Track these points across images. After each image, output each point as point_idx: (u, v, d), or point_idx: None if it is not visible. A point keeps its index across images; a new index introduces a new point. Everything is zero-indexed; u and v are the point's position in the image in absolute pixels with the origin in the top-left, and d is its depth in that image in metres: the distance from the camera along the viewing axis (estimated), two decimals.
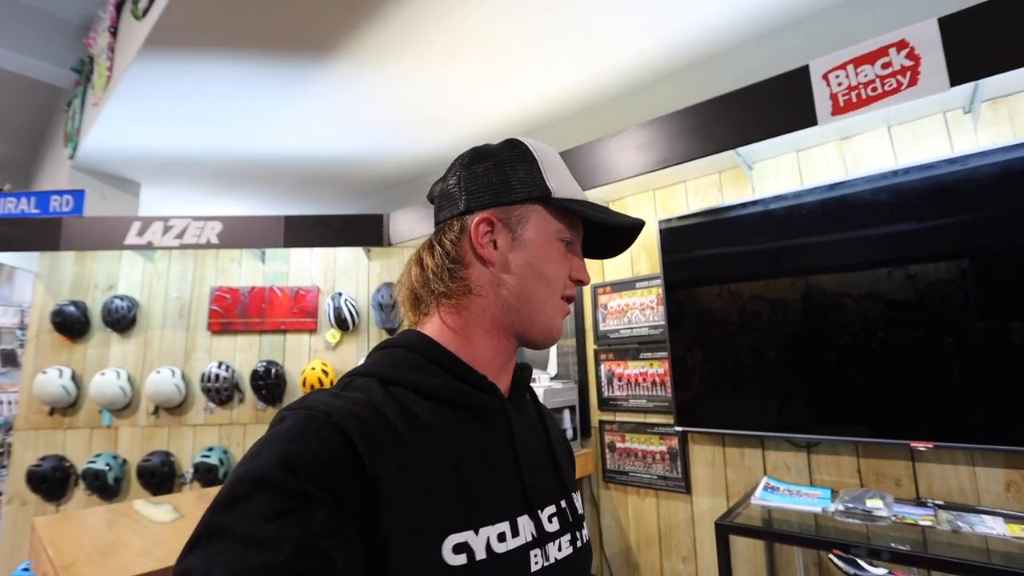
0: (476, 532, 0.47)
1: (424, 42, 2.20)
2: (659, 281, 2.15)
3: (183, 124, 2.86)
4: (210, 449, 2.91)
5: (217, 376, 2.94)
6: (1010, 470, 1.49)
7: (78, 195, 2.83)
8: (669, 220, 2.12)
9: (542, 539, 0.53)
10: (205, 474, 2.80)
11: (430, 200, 0.64)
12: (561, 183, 0.59)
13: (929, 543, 1.26)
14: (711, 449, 2.02)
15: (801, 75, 1.44)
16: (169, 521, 1.45)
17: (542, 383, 2.30)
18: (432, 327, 0.58)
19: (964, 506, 1.50)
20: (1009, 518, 1.37)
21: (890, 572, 1.13)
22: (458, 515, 0.47)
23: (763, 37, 2.17)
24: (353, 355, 3.11)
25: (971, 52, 1.20)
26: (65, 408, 2.94)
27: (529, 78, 2.48)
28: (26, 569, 2.62)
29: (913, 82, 1.24)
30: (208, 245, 2.70)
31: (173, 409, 2.98)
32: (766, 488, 1.73)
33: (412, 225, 2.75)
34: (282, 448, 0.42)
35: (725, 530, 1.42)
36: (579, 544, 0.58)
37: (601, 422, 2.34)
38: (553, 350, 2.58)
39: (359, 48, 2.23)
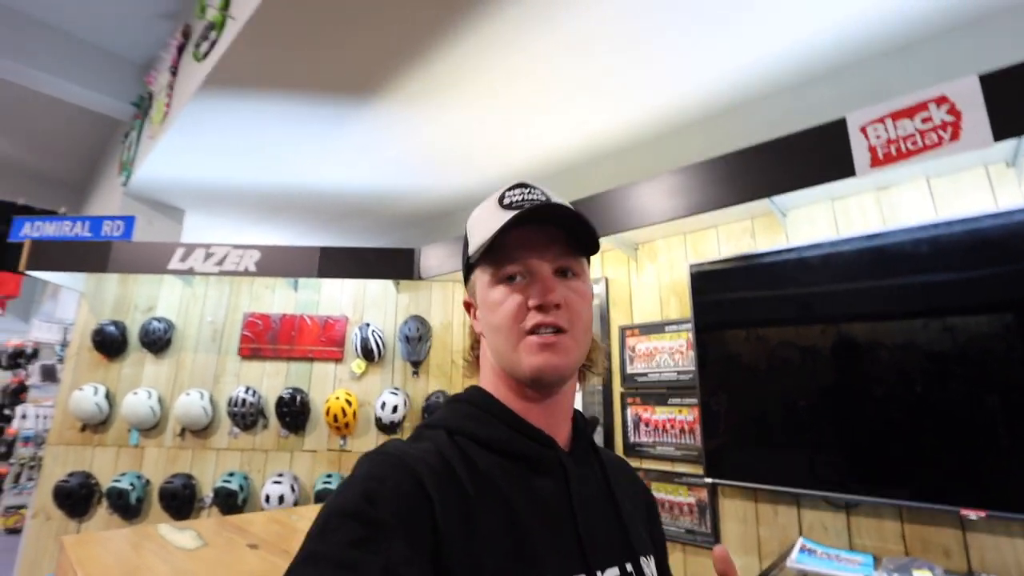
0: None
1: (461, 86, 2.29)
2: (689, 325, 2.12)
3: (229, 156, 3.01)
4: (231, 474, 2.92)
5: (244, 401, 2.98)
6: None
7: (128, 220, 2.99)
8: (700, 264, 2.11)
9: None
10: (224, 499, 2.81)
11: None
12: (478, 234, 0.61)
13: None
14: (743, 504, 1.94)
15: (839, 127, 1.45)
16: (193, 548, 1.45)
17: None
18: (486, 383, 0.64)
19: None
20: None
21: None
22: (513, 566, 0.48)
23: (795, 88, 2.20)
24: (377, 386, 3.12)
25: (1014, 108, 1.19)
26: (96, 425, 3.01)
27: (560, 120, 2.55)
28: None
29: (955, 137, 1.23)
30: (246, 273, 2.79)
31: (199, 432, 3.02)
32: (803, 550, 1.64)
33: (442, 260, 2.79)
34: (363, 485, 0.47)
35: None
36: None
37: None
38: (579, 391, 2.54)
39: (399, 90, 2.34)
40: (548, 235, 0.59)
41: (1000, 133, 1.19)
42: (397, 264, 2.89)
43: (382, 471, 0.49)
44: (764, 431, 1.87)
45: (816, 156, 1.48)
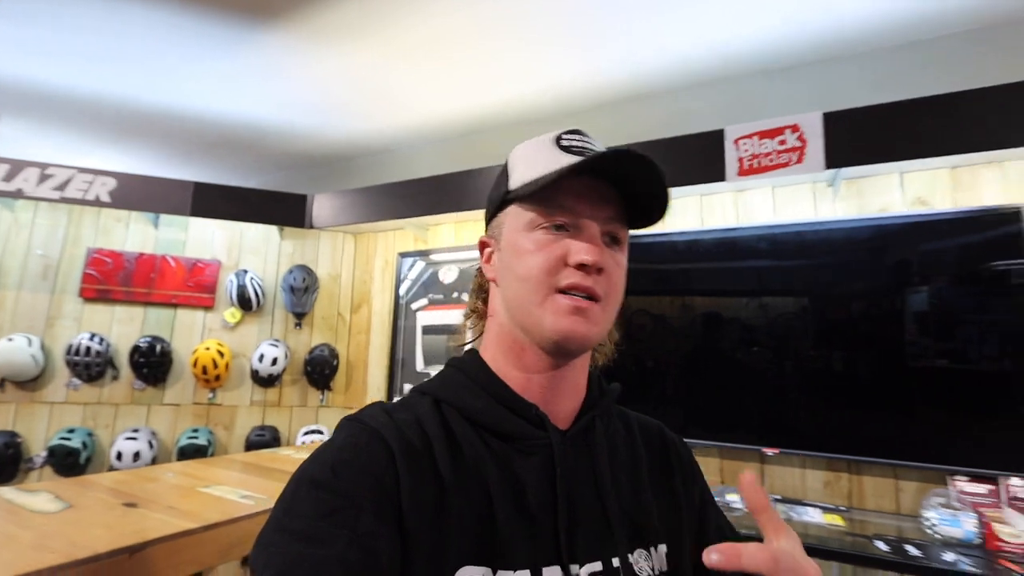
0: (494, 572, 0.45)
1: (372, 27, 2.18)
2: None
3: (72, 58, 2.49)
4: (71, 431, 2.59)
5: (88, 349, 2.62)
6: (828, 472, 1.90)
7: None
8: None
9: None
10: (62, 459, 2.49)
11: None
12: (526, 169, 0.54)
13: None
14: None
15: (718, 136, 1.72)
16: (56, 511, 1.30)
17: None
18: (485, 349, 0.58)
19: (796, 500, 1.89)
20: (825, 510, 1.76)
21: None
22: (478, 548, 0.45)
23: (688, 88, 2.48)
24: (254, 336, 2.95)
25: (844, 144, 1.54)
26: None
27: (469, 80, 2.56)
28: None
29: (800, 160, 1.56)
30: (97, 203, 2.40)
31: (26, 383, 2.60)
32: None
33: (337, 211, 2.69)
34: (335, 455, 0.46)
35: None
36: None
37: None
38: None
39: (303, 22, 2.15)
40: (603, 193, 0.52)
41: (831, 163, 1.54)
42: (286, 209, 2.71)
43: (357, 442, 0.47)
44: (624, 384, 2.20)
45: (696, 159, 1.75)
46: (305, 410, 3.00)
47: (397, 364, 2.92)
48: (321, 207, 2.72)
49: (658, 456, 0.61)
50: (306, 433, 2.86)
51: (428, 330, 2.85)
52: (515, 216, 0.54)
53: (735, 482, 2.02)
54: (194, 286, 2.92)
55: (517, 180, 0.54)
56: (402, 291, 2.98)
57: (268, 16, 2.13)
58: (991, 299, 1.67)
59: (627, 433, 0.61)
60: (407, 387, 2.82)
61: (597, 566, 0.48)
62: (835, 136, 1.55)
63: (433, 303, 2.86)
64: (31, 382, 2.61)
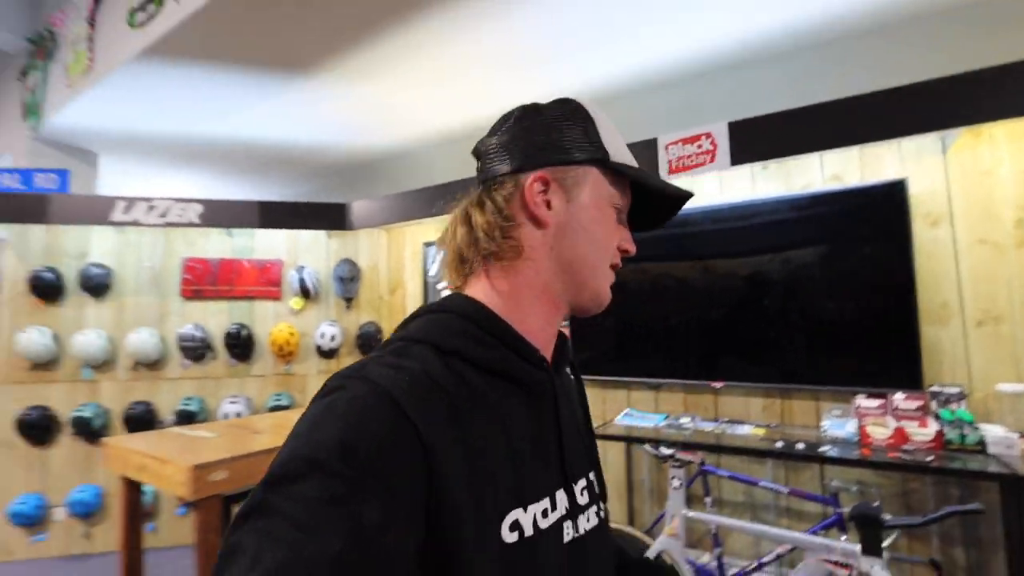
0: (525, 509, 0.47)
1: (387, 66, 2.73)
2: None
3: (157, 110, 3.17)
4: (189, 399, 3.38)
5: (193, 336, 3.39)
6: (765, 399, 2.42)
7: (62, 174, 3.09)
8: None
9: (574, 512, 0.53)
10: (186, 420, 3.29)
11: (475, 156, 0.60)
12: (616, 147, 0.56)
13: (703, 438, 2.13)
14: (593, 391, 2.85)
15: (652, 143, 2.20)
16: (211, 437, 2.01)
17: None
18: (480, 291, 0.55)
19: (738, 421, 2.42)
20: (756, 426, 2.29)
21: (675, 451, 1.97)
22: (513, 493, 0.47)
23: (631, 94, 2.91)
24: (315, 318, 3.65)
25: (745, 146, 2.00)
26: (47, 363, 3.27)
27: (467, 97, 3.08)
28: (83, 491, 3.06)
29: (712, 160, 2.02)
30: (190, 224, 3.11)
31: (152, 365, 3.40)
32: (625, 415, 2.58)
33: (373, 213, 3.30)
34: (340, 429, 0.39)
35: None
36: (602, 515, 0.58)
37: None
38: None
39: (330, 69, 2.72)
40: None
41: (735, 161, 2.00)
42: (330, 216, 3.35)
43: (364, 406, 0.41)
44: (606, 340, 2.75)
45: (642, 161, 2.23)
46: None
47: None
48: (358, 212, 3.34)
49: (579, 388, 0.67)
50: None
51: None
52: (598, 182, 0.55)
53: (695, 410, 2.56)
54: (264, 282, 3.63)
55: (613, 151, 0.56)
56: (429, 275, 3.59)
57: (304, 65, 2.71)
58: (881, 253, 2.11)
59: (570, 369, 0.66)
60: None
61: (583, 482, 0.56)
62: (738, 139, 2.01)
63: None
64: (155, 364, 3.41)
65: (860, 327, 2.15)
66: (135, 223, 3.04)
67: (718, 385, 2.43)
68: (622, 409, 2.72)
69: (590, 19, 2.22)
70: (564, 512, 0.51)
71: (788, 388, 2.33)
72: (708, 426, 2.32)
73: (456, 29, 2.33)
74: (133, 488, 1.95)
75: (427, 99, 3.07)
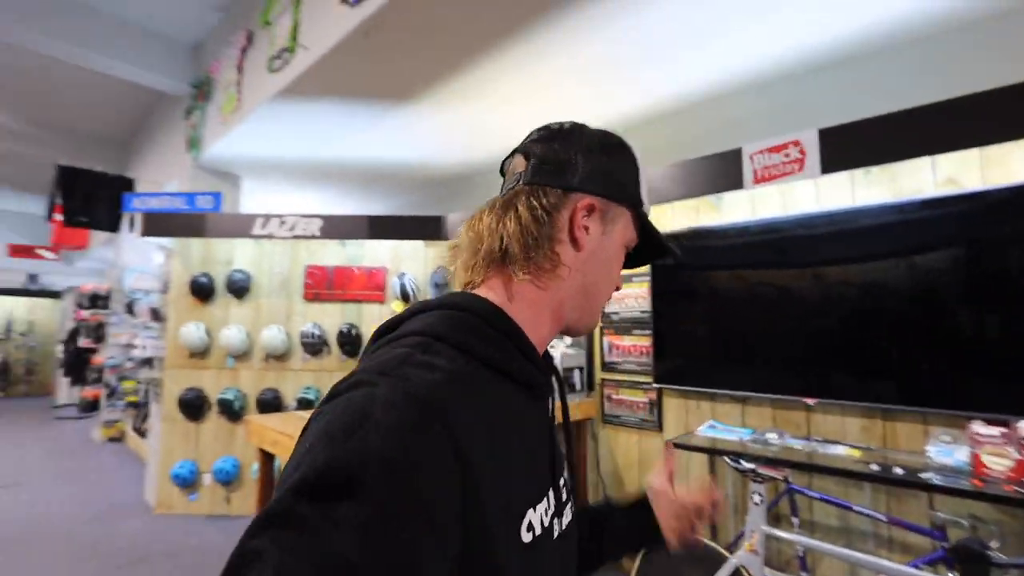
0: (535, 509, 0.48)
1: (479, 91, 2.95)
2: (648, 278, 2.93)
3: (288, 138, 3.69)
4: (308, 388, 3.87)
5: (313, 334, 3.87)
6: (863, 419, 2.26)
7: (216, 196, 3.73)
8: None
9: (559, 509, 0.54)
10: (306, 406, 3.77)
11: (522, 154, 0.60)
12: (645, 197, 0.62)
13: (791, 455, 2.06)
14: (678, 401, 2.84)
15: (736, 154, 2.17)
16: None
17: (560, 349, 3.14)
18: (498, 292, 0.54)
19: (832, 441, 2.29)
20: (852, 447, 2.16)
21: (756, 466, 1.93)
22: (527, 494, 0.48)
23: (707, 102, 2.85)
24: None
25: (836, 153, 1.91)
26: (201, 353, 3.92)
27: (550, 118, 3.21)
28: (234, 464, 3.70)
29: (800, 169, 1.96)
30: (311, 237, 3.57)
31: (279, 357, 3.94)
32: (708, 427, 2.54)
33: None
34: (382, 439, 0.36)
35: (670, 444, 2.25)
36: (573, 509, 0.60)
37: (602, 379, 3.18)
38: None
39: (429, 96, 3.00)
40: None
41: (826, 169, 1.93)
42: (429, 228, 3.66)
43: (404, 420, 0.38)
44: (693, 351, 2.73)
45: (719, 172, 2.22)
46: None
47: None
48: (453, 223, 3.62)
49: (560, 388, 0.70)
50: None
51: None
52: (628, 224, 0.60)
53: (785, 427, 2.46)
54: (371, 287, 4.04)
55: (644, 200, 0.61)
56: None
57: (409, 94, 3.02)
58: (1011, 267, 1.91)
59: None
60: None
61: (562, 480, 0.58)
62: (828, 146, 1.92)
63: None
64: (282, 357, 3.94)
65: (983, 344, 1.96)
66: (270, 236, 3.56)
67: (811, 402, 2.32)
68: (705, 420, 2.68)
69: (677, 26, 2.26)
70: (553, 509, 0.53)
71: (892, 409, 2.17)
72: (797, 444, 2.23)
73: (550, 45, 2.48)
74: (268, 459, 2.33)
75: (521, 113, 3.26)
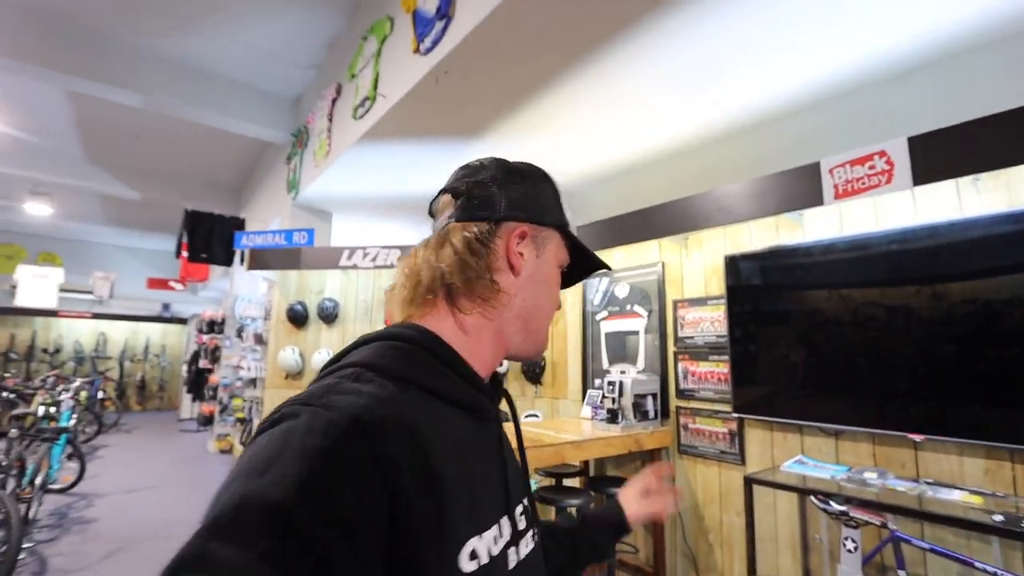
0: (481, 537, 0.47)
1: (543, 124, 3.03)
2: (723, 301, 2.79)
3: (370, 177, 4.00)
4: None
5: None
6: (988, 461, 1.97)
7: (310, 232, 4.11)
8: (733, 254, 2.75)
9: (516, 537, 0.53)
10: None
11: (451, 193, 0.61)
12: (570, 217, 0.65)
13: (895, 498, 1.83)
14: (762, 432, 2.64)
15: (815, 168, 2.03)
16: None
17: (631, 375, 3.05)
18: (439, 323, 0.55)
19: (947, 484, 2.01)
20: (972, 492, 1.88)
21: (847, 508, 1.73)
22: (471, 522, 0.46)
23: (784, 118, 2.68)
24: None
25: (929, 162, 1.73)
26: (295, 375, 4.28)
27: (614, 141, 3.20)
28: None
29: (889, 181, 1.79)
30: (391, 266, 3.81)
31: None
32: (796, 462, 2.34)
33: None
34: (299, 470, 0.36)
35: (749, 481, 2.10)
36: (537, 538, 0.59)
37: (677, 407, 3.04)
38: (641, 350, 3.30)
39: (495, 130, 3.13)
40: None
41: (918, 180, 1.75)
42: None
43: (327, 446, 0.37)
44: (778, 378, 2.54)
45: (797, 189, 2.08)
46: (525, 399, 4.01)
47: (588, 362, 3.70)
48: None
49: (512, 412, 0.72)
50: (527, 416, 3.85)
51: (609, 335, 3.55)
52: (558, 247, 0.64)
53: (887, 466, 2.20)
54: None
55: (571, 222, 0.66)
56: (588, 306, 3.75)
57: (477, 130, 3.17)
58: None
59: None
60: (597, 381, 3.56)
61: (521, 508, 0.57)
62: (919, 156, 1.74)
63: (611, 314, 3.55)
64: None
65: None
66: (354, 267, 3.85)
67: (918, 438, 2.06)
68: (793, 454, 2.47)
69: (744, 38, 2.18)
70: (508, 538, 0.52)
71: (1021, 449, 1.87)
72: (902, 485, 1.98)
73: (612, 70, 2.50)
74: None
75: (587, 138, 3.30)
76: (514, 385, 4.03)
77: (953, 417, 2.01)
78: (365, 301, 4.31)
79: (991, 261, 1.92)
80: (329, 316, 4.27)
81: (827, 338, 2.37)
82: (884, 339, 2.19)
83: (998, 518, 1.60)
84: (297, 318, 4.29)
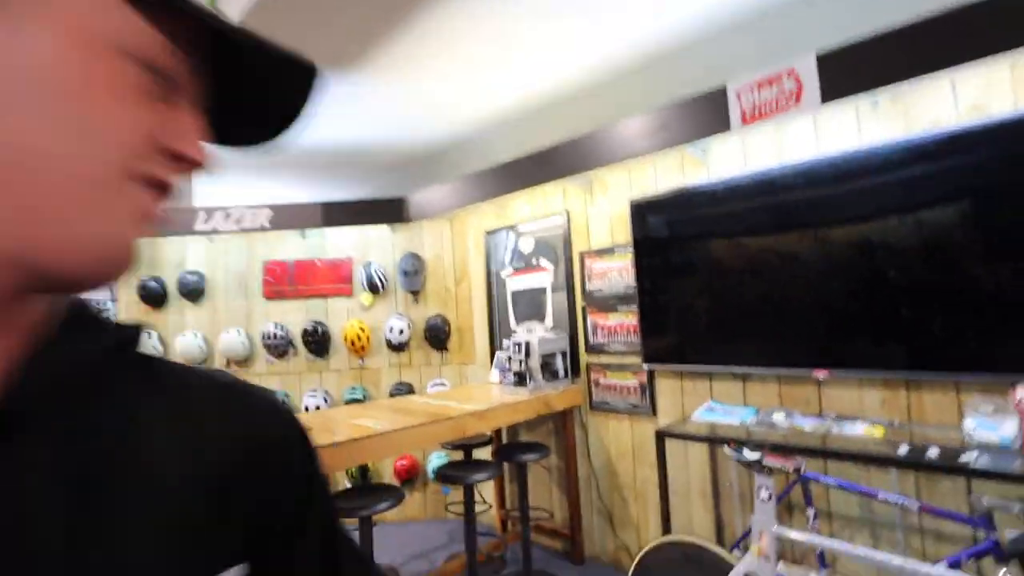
0: None
1: (428, 53, 2.60)
2: (631, 248, 2.61)
3: None
4: (274, 392, 3.57)
5: (275, 334, 3.56)
6: (885, 391, 1.97)
7: None
8: (639, 200, 2.56)
9: None
10: None
11: None
12: None
13: (802, 438, 1.77)
14: (672, 382, 2.54)
15: (720, 95, 1.84)
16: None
17: (538, 333, 2.83)
18: None
19: (849, 417, 1.99)
20: (873, 423, 1.86)
21: (761, 456, 1.64)
22: None
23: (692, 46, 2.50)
24: (383, 313, 3.68)
25: (838, 79, 1.58)
26: None
27: (514, 77, 2.87)
28: None
29: (797, 101, 1.63)
30: (261, 229, 3.25)
31: (241, 362, 3.63)
32: (707, 409, 2.25)
33: (431, 203, 3.22)
34: None
35: (661, 435, 1.96)
36: None
37: (588, 364, 2.88)
38: (549, 307, 3.09)
39: (374, 61, 2.66)
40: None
41: (827, 97, 1.60)
42: (390, 210, 3.33)
43: None
44: (685, 326, 2.43)
45: (705, 114, 1.89)
46: (430, 367, 3.69)
47: (496, 324, 3.44)
48: (416, 204, 3.29)
49: (217, 430, 0.33)
50: (433, 385, 3.55)
51: (516, 294, 3.30)
52: (98, 8, 0.25)
53: (793, 405, 2.17)
54: (337, 280, 3.72)
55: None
56: (492, 263, 3.46)
57: (347, 64, 2.67)
58: None
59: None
60: (506, 343, 3.32)
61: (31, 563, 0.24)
62: (829, 73, 1.59)
63: (517, 270, 3.29)
64: (245, 361, 3.64)
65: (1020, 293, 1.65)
66: (215, 231, 3.24)
67: (821, 375, 2.02)
68: (703, 402, 2.39)
69: None
70: None
71: (918, 377, 1.87)
72: (809, 423, 1.94)
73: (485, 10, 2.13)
74: None
75: (473, 85, 2.91)
76: (418, 354, 3.69)
77: (851, 352, 1.98)
78: (238, 273, 3.70)
79: (888, 192, 1.86)
80: (193, 292, 3.62)
81: (731, 283, 2.27)
82: (783, 281, 2.12)
83: (903, 450, 1.56)
84: (153, 297, 3.60)
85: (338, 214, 3.30)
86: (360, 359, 3.64)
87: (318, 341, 3.60)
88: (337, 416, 2.53)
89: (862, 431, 1.80)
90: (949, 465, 1.42)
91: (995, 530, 1.53)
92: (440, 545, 3.16)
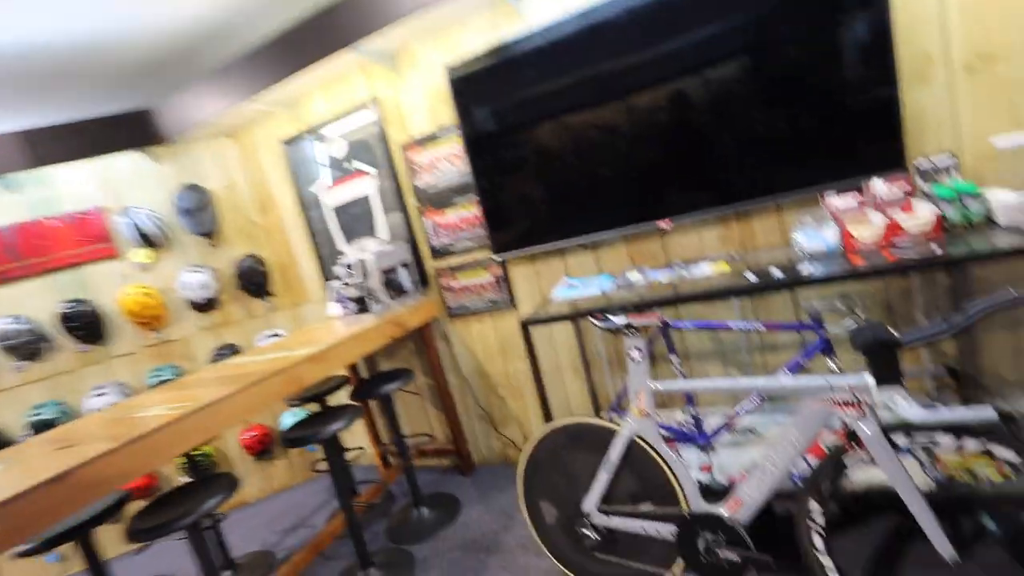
0: None
1: None
2: (457, 131, 2.26)
3: None
4: (41, 406, 2.69)
5: (14, 331, 2.61)
6: (720, 228, 2.01)
7: None
8: (456, 68, 2.16)
9: None
10: (44, 430, 2.63)
11: None
12: None
13: (659, 291, 1.72)
14: (525, 268, 2.38)
15: None
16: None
17: (372, 249, 2.42)
18: None
19: (695, 260, 2.02)
20: (714, 260, 1.90)
21: (627, 317, 1.57)
22: None
23: None
24: (172, 269, 2.91)
25: None
26: None
27: None
28: None
29: None
30: None
31: None
32: (565, 287, 2.13)
33: (191, 112, 2.43)
34: None
35: (525, 324, 1.79)
36: None
37: (436, 270, 2.58)
38: (380, 214, 2.66)
39: None
40: None
41: None
42: (134, 131, 2.46)
43: None
44: (531, 207, 2.22)
45: None
46: (255, 320, 3.08)
47: (323, 251, 2.92)
48: (171, 115, 2.47)
49: None
50: (267, 338, 2.98)
51: (338, 210, 2.79)
52: None
53: (643, 262, 2.14)
54: (87, 239, 2.79)
55: None
56: (300, 180, 2.84)
57: None
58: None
59: None
60: (337, 270, 2.85)
61: None
62: None
63: (333, 182, 2.75)
64: None
65: (817, 109, 1.70)
66: None
67: (666, 225, 1.98)
68: (560, 281, 2.28)
69: None
70: None
71: (743, 208, 1.91)
72: (661, 275, 1.91)
73: None
74: None
75: None
76: (235, 307, 3.04)
77: (685, 199, 1.96)
78: None
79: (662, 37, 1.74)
80: None
81: (566, 154, 2.08)
82: (616, 140, 1.98)
83: (752, 277, 1.57)
84: None
85: (53, 145, 2.34)
86: (155, 331, 2.88)
87: (85, 325, 2.73)
88: (118, 412, 1.90)
89: (710, 270, 1.81)
90: (794, 279, 1.45)
91: (824, 329, 1.67)
92: (319, 506, 2.83)
